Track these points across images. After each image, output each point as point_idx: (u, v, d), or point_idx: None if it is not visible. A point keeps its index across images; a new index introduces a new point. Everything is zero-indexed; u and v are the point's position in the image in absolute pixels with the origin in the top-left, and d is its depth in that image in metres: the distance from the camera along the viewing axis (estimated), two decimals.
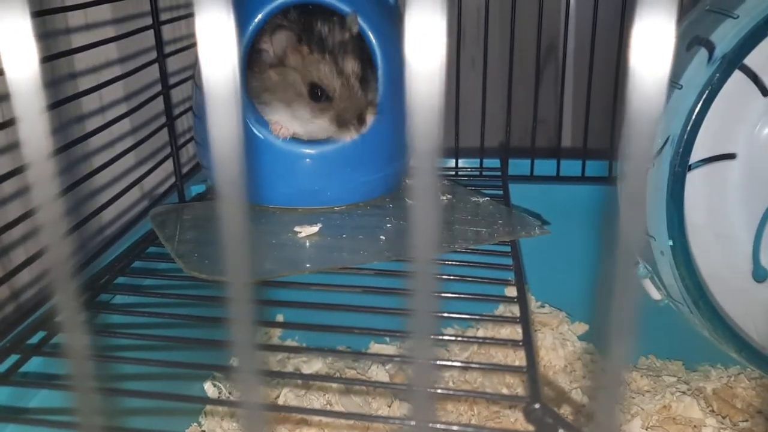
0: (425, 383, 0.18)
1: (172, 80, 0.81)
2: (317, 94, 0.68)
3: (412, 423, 0.48)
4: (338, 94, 0.67)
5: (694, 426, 0.73)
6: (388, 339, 0.90)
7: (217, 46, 0.16)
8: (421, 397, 0.18)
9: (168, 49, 0.78)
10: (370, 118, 0.69)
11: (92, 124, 0.76)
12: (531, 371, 0.51)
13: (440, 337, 0.65)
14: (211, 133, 0.16)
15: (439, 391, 0.64)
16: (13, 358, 0.50)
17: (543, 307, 0.90)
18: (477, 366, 0.54)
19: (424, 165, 0.16)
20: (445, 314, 0.61)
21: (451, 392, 0.62)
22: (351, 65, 0.68)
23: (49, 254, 0.18)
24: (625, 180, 0.17)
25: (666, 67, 0.15)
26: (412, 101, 0.16)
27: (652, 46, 0.15)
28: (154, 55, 0.76)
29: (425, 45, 0.15)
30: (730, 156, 0.74)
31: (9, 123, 0.53)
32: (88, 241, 0.74)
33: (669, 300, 0.71)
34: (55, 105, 0.60)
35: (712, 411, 0.76)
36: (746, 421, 0.75)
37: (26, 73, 0.17)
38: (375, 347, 0.90)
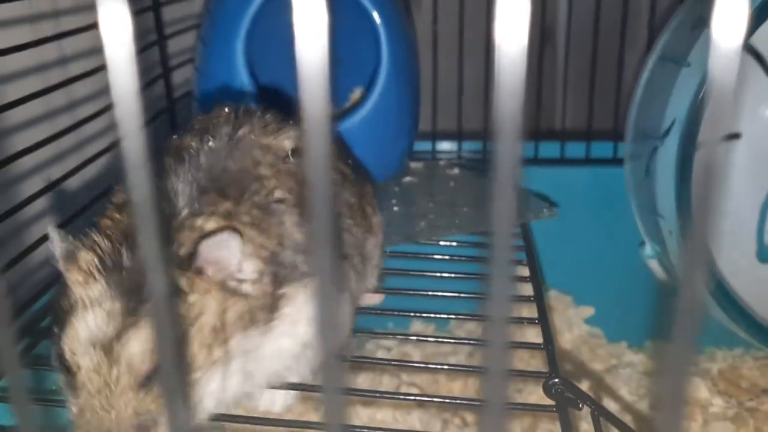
0: (500, 364, 0.18)
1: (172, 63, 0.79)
2: None
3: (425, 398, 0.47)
4: None
5: (702, 406, 0.74)
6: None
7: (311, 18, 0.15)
8: (496, 379, 0.18)
9: (167, 31, 0.77)
10: None
11: (85, 110, 0.73)
12: (549, 347, 0.51)
13: (451, 316, 0.64)
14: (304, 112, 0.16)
15: (446, 367, 0.64)
16: None
17: (549, 291, 0.89)
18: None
19: (508, 146, 0.16)
20: (454, 294, 0.60)
21: (468, 368, 0.61)
22: None
23: None
24: (703, 157, 0.16)
25: (741, 37, 0.15)
26: (499, 83, 0.15)
27: (729, 17, 0.15)
28: (152, 37, 0.74)
29: (513, 26, 0.15)
30: (735, 136, 0.74)
31: None
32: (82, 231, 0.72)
33: (676, 280, 0.71)
34: (45, 91, 0.57)
35: (719, 391, 0.76)
36: (752, 400, 0.75)
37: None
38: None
